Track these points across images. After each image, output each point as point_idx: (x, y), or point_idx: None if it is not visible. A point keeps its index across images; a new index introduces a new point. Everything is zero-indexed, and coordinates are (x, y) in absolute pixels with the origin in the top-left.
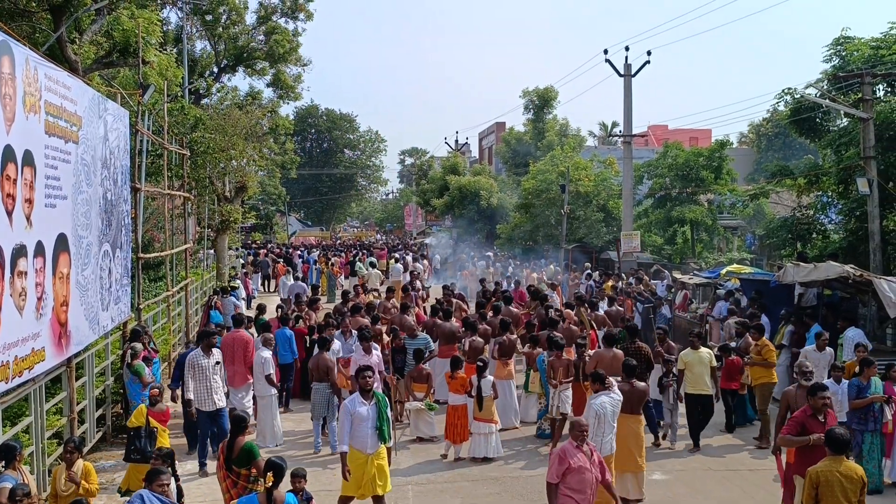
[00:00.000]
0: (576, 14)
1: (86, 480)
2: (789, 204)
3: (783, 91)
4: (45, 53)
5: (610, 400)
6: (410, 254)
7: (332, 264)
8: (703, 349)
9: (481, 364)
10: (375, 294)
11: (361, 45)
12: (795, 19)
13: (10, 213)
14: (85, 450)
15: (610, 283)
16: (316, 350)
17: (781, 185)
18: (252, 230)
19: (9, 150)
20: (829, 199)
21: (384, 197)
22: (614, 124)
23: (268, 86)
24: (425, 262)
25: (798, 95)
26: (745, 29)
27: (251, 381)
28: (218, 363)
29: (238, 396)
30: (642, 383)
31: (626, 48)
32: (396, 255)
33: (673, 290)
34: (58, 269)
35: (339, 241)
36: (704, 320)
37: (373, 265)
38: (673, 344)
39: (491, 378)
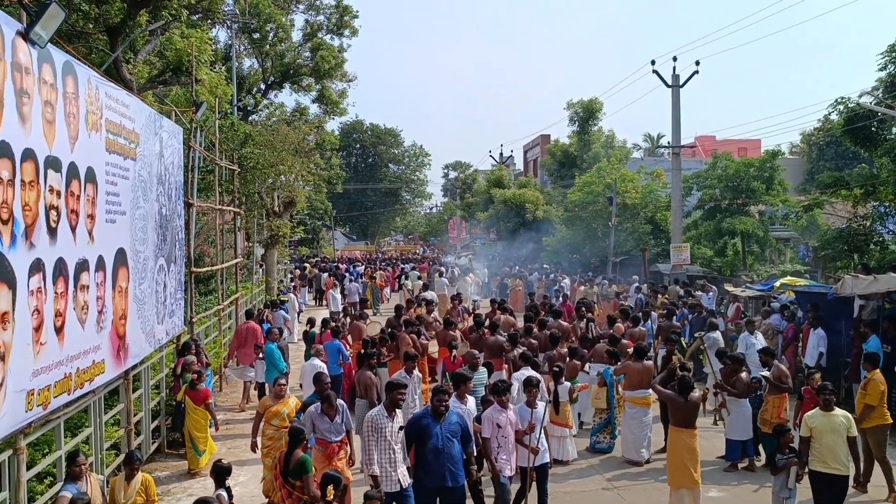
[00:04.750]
0: (622, 26)
1: (146, 494)
2: (843, 215)
3: (837, 101)
4: (102, 73)
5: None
6: (458, 267)
7: (377, 277)
8: (839, 411)
9: (557, 370)
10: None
11: (405, 60)
12: (847, 27)
13: (73, 229)
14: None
15: (661, 298)
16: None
17: (836, 196)
18: (299, 244)
19: (73, 167)
20: (887, 209)
21: (428, 211)
22: (660, 136)
23: (313, 101)
24: (472, 275)
25: (852, 104)
26: (794, 38)
27: (255, 362)
28: (402, 428)
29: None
30: (696, 394)
31: (674, 59)
32: (441, 269)
33: (725, 302)
34: (117, 283)
35: (383, 255)
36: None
37: (418, 278)
38: (742, 376)
39: (568, 384)
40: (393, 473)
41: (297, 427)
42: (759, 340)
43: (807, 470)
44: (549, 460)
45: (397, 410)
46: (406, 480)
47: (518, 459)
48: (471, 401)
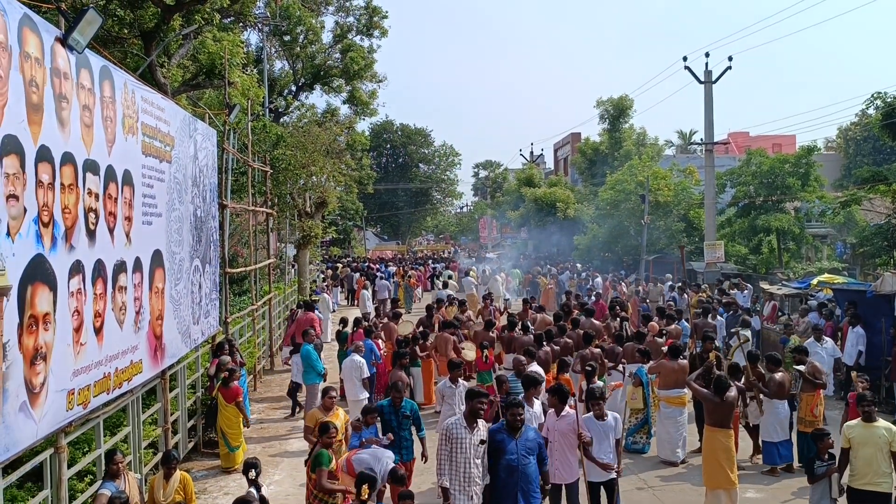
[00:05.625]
0: (653, 22)
1: (184, 492)
2: (882, 210)
3: (873, 95)
4: (137, 77)
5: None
6: (488, 266)
7: (409, 277)
8: (881, 423)
9: (590, 368)
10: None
11: (435, 60)
12: (885, 20)
13: (111, 231)
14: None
15: (696, 296)
16: None
17: (875, 192)
18: (331, 245)
19: (110, 170)
20: None
21: (459, 210)
22: (692, 132)
23: (344, 102)
24: (502, 274)
25: (890, 99)
26: (830, 31)
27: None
28: (483, 441)
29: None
30: (732, 394)
31: (707, 54)
32: (473, 268)
33: (760, 300)
34: (154, 284)
35: (414, 255)
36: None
37: (449, 277)
38: (763, 371)
39: (600, 383)
40: (463, 492)
41: (326, 423)
42: (827, 348)
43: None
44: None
45: (479, 422)
46: (479, 500)
47: (587, 474)
48: (537, 404)
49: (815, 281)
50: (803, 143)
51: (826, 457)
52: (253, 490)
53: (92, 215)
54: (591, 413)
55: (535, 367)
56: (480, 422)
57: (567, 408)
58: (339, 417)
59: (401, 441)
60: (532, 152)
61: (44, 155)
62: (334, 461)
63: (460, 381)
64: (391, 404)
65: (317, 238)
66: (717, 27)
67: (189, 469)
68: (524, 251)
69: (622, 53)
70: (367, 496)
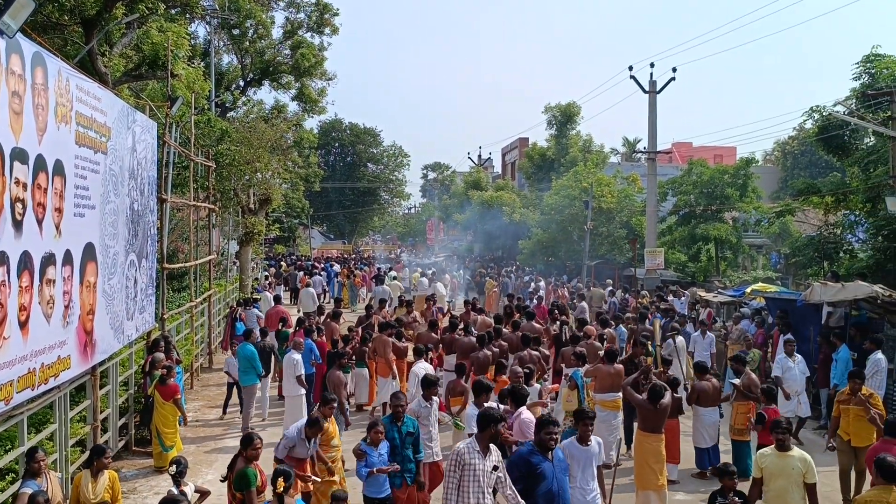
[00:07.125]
0: (600, 31)
1: (111, 490)
2: (815, 222)
3: (811, 109)
4: (76, 66)
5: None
6: (433, 269)
7: (355, 276)
8: (796, 451)
9: (528, 371)
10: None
11: (386, 60)
12: (825, 36)
13: (40, 222)
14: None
15: (637, 301)
16: None
17: (808, 203)
18: (275, 242)
19: (40, 159)
20: (857, 218)
21: (406, 211)
22: (637, 140)
23: (292, 99)
24: (446, 277)
25: (826, 113)
26: (772, 46)
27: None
28: (496, 468)
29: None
30: (665, 401)
31: (651, 65)
32: (421, 269)
33: (697, 307)
34: (85, 278)
35: (361, 255)
36: (728, 338)
37: (394, 278)
38: (705, 385)
39: (538, 386)
40: None
41: (248, 434)
42: (798, 365)
43: None
44: None
45: (492, 446)
46: None
47: None
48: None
49: (749, 289)
50: (744, 155)
51: (731, 494)
52: (174, 489)
53: (19, 205)
54: (574, 437)
55: (422, 365)
56: (493, 447)
57: (523, 409)
58: (334, 424)
59: (403, 462)
60: (480, 156)
61: None
62: (259, 476)
63: (434, 399)
64: (392, 419)
65: (260, 235)
66: (663, 39)
67: (119, 468)
68: (470, 254)
69: (571, 61)
70: (282, 489)
